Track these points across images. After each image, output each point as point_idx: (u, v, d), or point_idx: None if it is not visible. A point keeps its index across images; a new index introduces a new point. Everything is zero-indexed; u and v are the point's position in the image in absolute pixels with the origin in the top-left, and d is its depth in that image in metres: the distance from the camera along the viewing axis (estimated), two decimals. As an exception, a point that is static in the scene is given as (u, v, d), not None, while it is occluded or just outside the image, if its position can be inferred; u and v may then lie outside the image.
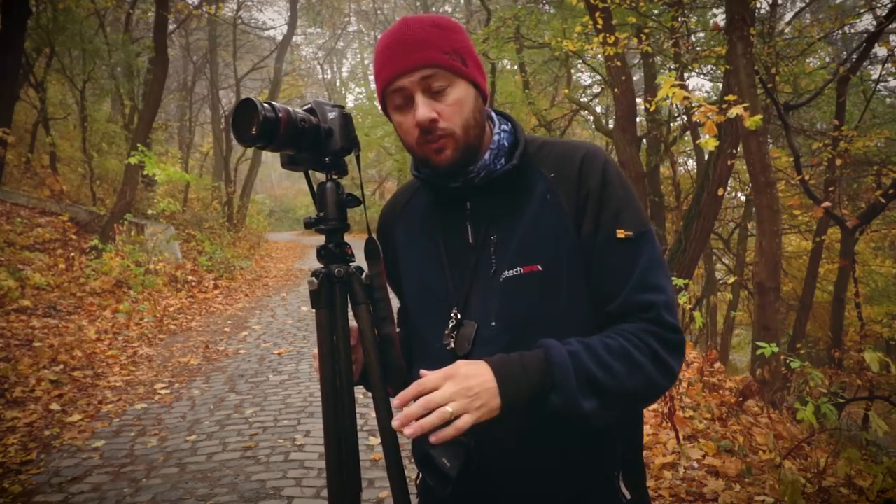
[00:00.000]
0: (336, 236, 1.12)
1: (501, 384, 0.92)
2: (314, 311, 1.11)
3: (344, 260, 1.12)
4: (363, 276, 1.13)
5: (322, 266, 1.12)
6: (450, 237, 1.12)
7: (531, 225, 1.05)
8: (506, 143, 1.10)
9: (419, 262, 1.16)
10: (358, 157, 1.16)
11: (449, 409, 0.88)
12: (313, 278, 1.10)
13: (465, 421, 0.89)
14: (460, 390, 0.90)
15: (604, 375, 0.94)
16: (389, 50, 1.02)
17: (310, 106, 1.10)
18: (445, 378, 0.90)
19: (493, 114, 1.14)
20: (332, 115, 1.09)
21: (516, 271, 1.04)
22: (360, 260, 1.14)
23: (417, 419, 0.89)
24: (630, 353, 0.97)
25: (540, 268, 1.03)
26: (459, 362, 0.94)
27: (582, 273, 1.04)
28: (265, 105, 0.99)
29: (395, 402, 0.93)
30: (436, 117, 1.01)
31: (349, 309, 1.12)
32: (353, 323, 1.14)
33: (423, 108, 1.00)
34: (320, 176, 1.14)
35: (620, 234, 1.02)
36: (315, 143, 1.07)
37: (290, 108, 1.04)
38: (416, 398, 0.90)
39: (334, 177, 1.11)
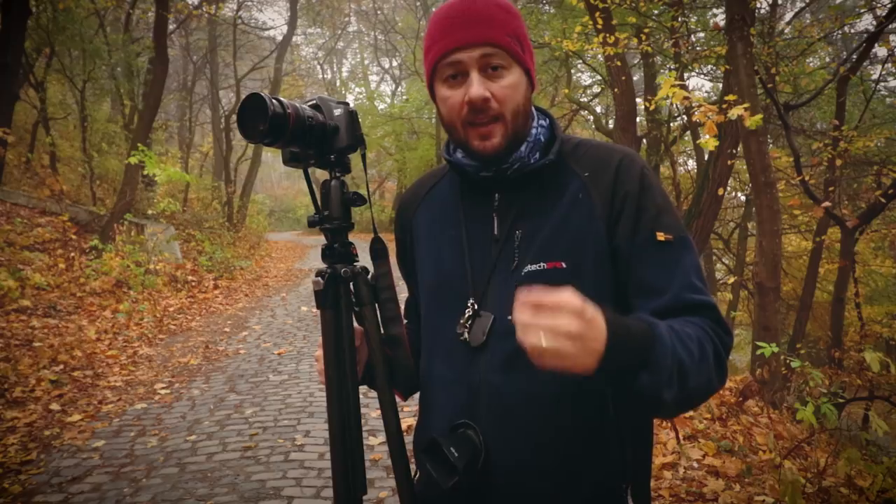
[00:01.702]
0: (341, 236, 1.10)
1: (608, 350, 0.80)
2: (319, 311, 1.09)
3: (349, 260, 1.10)
4: (369, 276, 1.12)
5: (327, 266, 1.10)
6: (473, 227, 1.10)
7: (560, 222, 1.03)
8: (542, 139, 1.08)
9: (438, 249, 1.14)
10: (364, 156, 1.14)
11: (544, 343, 0.76)
12: (319, 278, 1.08)
13: (545, 360, 0.78)
14: (578, 328, 0.77)
15: (689, 361, 0.88)
16: (451, 21, 1.00)
17: (314, 102, 1.07)
18: (578, 312, 0.77)
19: (531, 108, 1.12)
20: (337, 111, 1.07)
21: (539, 266, 1.01)
22: (363, 260, 1.13)
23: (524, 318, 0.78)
24: (703, 344, 0.93)
25: (564, 265, 1.01)
26: (564, 296, 0.78)
27: (608, 276, 1.02)
28: (274, 101, 0.96)
29: (523, 296, 0.79)
30: (489, 97, 0.99)
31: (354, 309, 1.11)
32: (357, 324, 1.13)
33: (478, 86, 0.98)
34: (322, 174, 1.12)
35: (660, 236, 1.01)
36: (321, 141, 1.05)
37: (298, 104, 1.02)
38: (538, 304, 0.78)
39: (338, 175, 1.09)
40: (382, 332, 1.15)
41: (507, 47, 0.99)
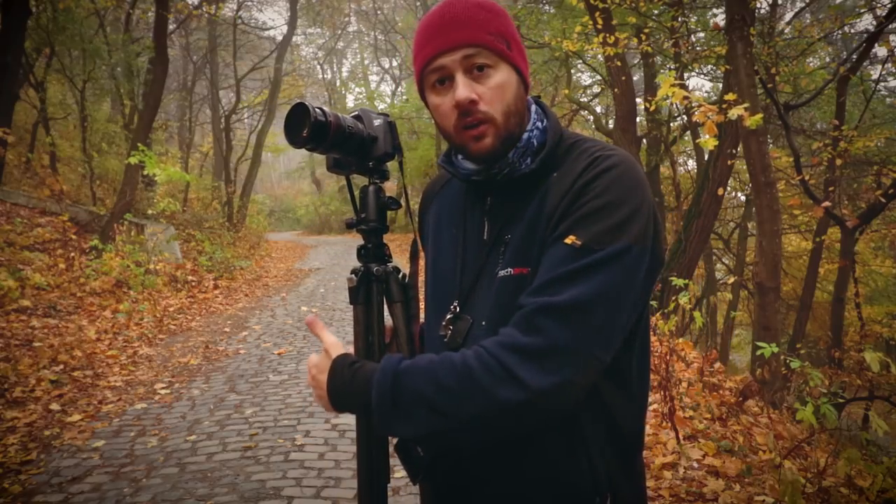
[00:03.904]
0: (376, 237, 1.16)
1: (329, 392, 1.00)
2: (351, 307, 1.16)
3: (382, 259, 1.16)
4: (401, 276, 1.17)
5: (361, 265, 1.17)
6: (470, 229, 1.11)
7: (529, 226, 1.00)
8: (535, 143, 1.05)
9: (440, 247, 1.17)
10: (401, 163, 1.19)
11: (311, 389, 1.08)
12: (352, 275, 1.15)
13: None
14: (311, 381, 1.05)
15: (434, 396, 0.89)
16: (431, 28, 1.00)
17: (357, 113, 1.15)
18: (311, 364, 1.06)
19: (532, 106, 1.08)
20: (377, 122, 1.14)
21: (507, 272, 1.00)
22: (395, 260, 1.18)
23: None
24: (471, 372, 0.88)
25: (529, 271, 0.98)
26: (314, 357, 1.06)
27: None
28: (317, 109, 1.03)
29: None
30: (476, 98, 0.97)
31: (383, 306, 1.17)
32: (388, 321, 1.18)
33: (464, 88, 0.97)
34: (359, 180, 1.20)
35: (569, 240, 0.91)
36: (360, 149, 1.12)
37: (339, 114, 1.08)
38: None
39: (376, 181, 1.16)
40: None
41: (489, 45, 0.97)
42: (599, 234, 0.90)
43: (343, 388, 0.98)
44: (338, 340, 1.06)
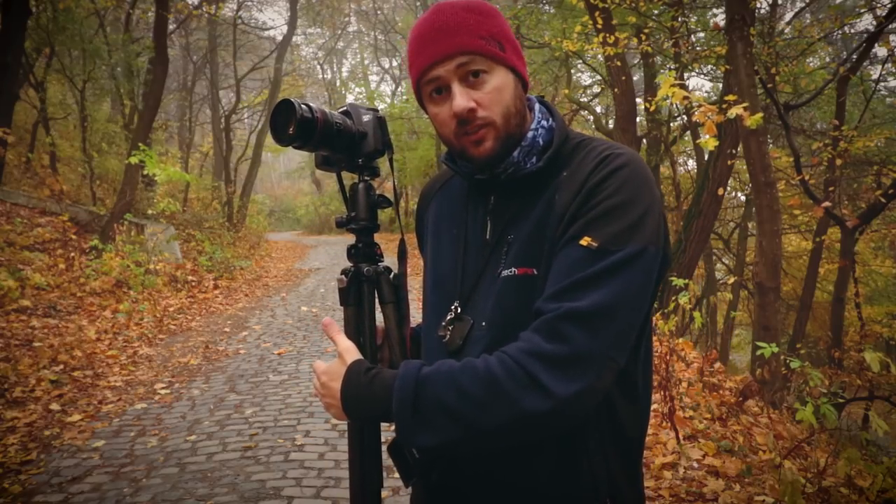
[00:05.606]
0: (366, 236, 1.13)
1: (344, 400, 0.97)
2: (342, 308, 1.13)
3: (373, 259, 1.14)
4: (391, 276, 1.14)
5: (351, 265, 1.14)
6: (472, 229, 1.09)
7: (536, 226, 0.99)
8: (541, 142, 1.03)
9: (440, 247, 1.15)
10: (391, 160, 1.16)
11: (318, 396, 1.04)
12: (343, 276, 1.12)
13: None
14: (321, 388, 1.02)
15: (458, 405, 0.87)
16: (423, 38, 0.99)
17: (345, 108, 1.11)
18: (320, 371, 1.03)
19: (536, 106, 1.07)
20: (366, 118, 1.11)
21: (511, 272, 0.99)
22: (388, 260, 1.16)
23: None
24: (496, 379, 0.86)
25: (535, 272, 0.97)
26: (322, 364, 1.04)
27: None
28: (303, 106, 1.00)
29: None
30: (474, 106, 0.96)
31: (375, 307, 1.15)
32: (379, 322, 1.15)
33: (461, 98, 0.96)
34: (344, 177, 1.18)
35: (584, 241, 0.90)
36: (349, 145, 1.09)
37: (327, 110, 1.05)
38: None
39: (366, 178, 1.13)
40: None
41: (481, 51, 0.96)
42: (615, 235, 0.89)
43: (359, 395, 0.95)
44: (352, 345, 1.03)
